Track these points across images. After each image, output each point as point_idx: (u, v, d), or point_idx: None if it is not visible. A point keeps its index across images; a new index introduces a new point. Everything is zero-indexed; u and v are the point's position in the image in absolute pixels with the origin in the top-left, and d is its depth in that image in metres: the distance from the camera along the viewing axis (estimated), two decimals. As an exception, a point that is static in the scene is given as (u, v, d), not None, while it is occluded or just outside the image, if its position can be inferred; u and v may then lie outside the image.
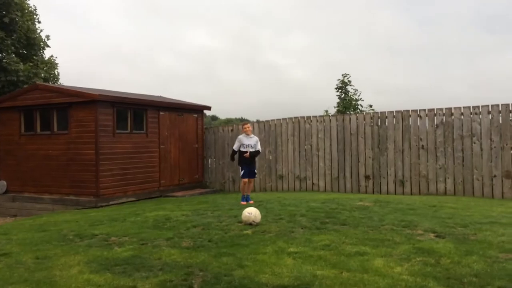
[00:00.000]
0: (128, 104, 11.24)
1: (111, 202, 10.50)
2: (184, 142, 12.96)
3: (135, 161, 11.31)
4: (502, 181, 9.63)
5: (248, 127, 8.99)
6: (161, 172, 12.10)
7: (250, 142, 8.79)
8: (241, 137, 8.92)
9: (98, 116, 10.39)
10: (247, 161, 8.74)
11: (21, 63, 17.55)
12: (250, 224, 6.18)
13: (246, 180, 8.76)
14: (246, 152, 8.70)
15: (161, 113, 12.16)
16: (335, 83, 18.42)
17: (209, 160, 13.95)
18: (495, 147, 9.73)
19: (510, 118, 9.62)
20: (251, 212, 6.31)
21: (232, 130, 13.46)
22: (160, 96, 14.39)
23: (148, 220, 7.07)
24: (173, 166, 12.54)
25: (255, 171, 9.13)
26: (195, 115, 13.52)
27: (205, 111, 14.44)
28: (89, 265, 4.61)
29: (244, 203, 8.39)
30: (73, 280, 4.16)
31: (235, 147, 8.94)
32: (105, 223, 7.07)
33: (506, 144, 9.61)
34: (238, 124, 13.95)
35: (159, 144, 12.07)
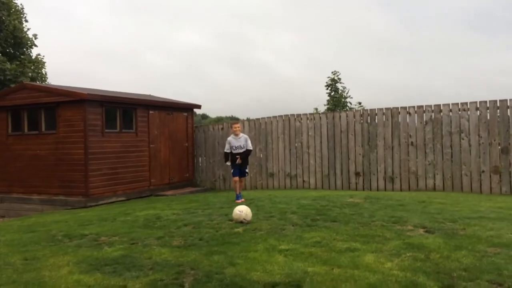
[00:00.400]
0: (117, 103, 11.16)
1: (100, 202, 10.43)
2: (174, 141, 12.91)
3: (125, 161, 11.24)
4: (490, 176, 9.73)
5: (238, 127, 8.94)
6: (151, 171, 12.04)
7: (239, 143, 8.76)
8: (230, 139, 8.88)
9: (87, 116, 10.31)
10: (235, 160, 8.75)
11: (8, 62, 17.36)
12: (241, 222, 6.17)
13: (236, 178, 8.78)
14: (236, 153, 8.70)
15: (150, 112, 12.09)
16: (324, 81, 18.50)
17: (200, 158, 13.91)
18: (483, 143, 9.83)
19: (498, 114, 9.72)
20: (242, 210, 6.31)
21: (222, 129, 13.43)
22: (150, 95, 14.31)
23: (139, 219, 7.03)
24: (163, 165, 12.48)
25: (246, 170, 9.10)
26: (185, 114, 13.47)
27: (195, 110, 14.40)
28: (79, 265, 4.57)
29: (239, 201, 8.35)
30: (63, 280, 4.12)
31: (226, 149, 8.89)
32: (95, 223, 7.01)
33: (494, 140, 9.72)
34: (228, 123, 13.93)
35: (149, 143, 12.01)
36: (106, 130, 10.78)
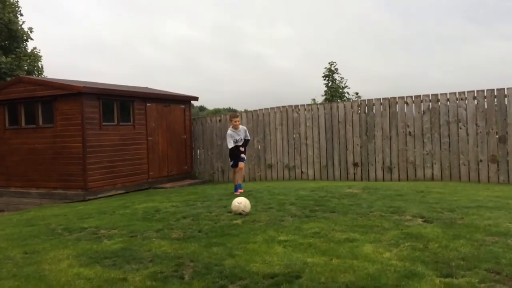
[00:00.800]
0: (114, 96, 11.13)
1: (99, 195, 10.43)
2: (172, 133, 12.89)
3: (123, 153, 11.23)
4: (488, 165, 9.76)
5: (238, 121, 8.66)
6: (149, 163, 12.04)
7: (240, 135, 8.59)
8: (231, 132, 8.54)
9: (84, 109, 10.28)
10: (237, 153, 8.57)
11: (4, 56, 17.25)
12: (240, 214, 6.18)
13: (236, 168, 8.62)
14: (237, 146, 8.51)
15: (148, 104, 12.06)
16: (321, 71, 18.51)
17: (198, 151, 13.91)
18: (480, 132, 9.84)
19: (495, 103, 9.72)
20: (241, 202, 6.32)
21: (220, 121, 13.41)
22: (147, 88, 14.26)
23: (138, 212, 7.04)
24: (161, 158, 12.48)
25: (244, 156, 8.79)
26: (183, 106, 13.43)
27: (193, 102, 14.37)
28: (79, 258, 4.58)
29: (238, 193, 8.21)
30: (63, 274, 4.13)
31: (230, 144, 8.51)
32: (94, 216, 7.02)
33: (492, 129, 9.73)
34: (226, 114, 13.90)
35: (147, 136, 11.99)
36: (104, 123, 10.75)
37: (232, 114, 9.14)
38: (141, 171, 11.79)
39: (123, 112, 11.44)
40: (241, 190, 8.41)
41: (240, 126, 8.79)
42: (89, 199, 10.09)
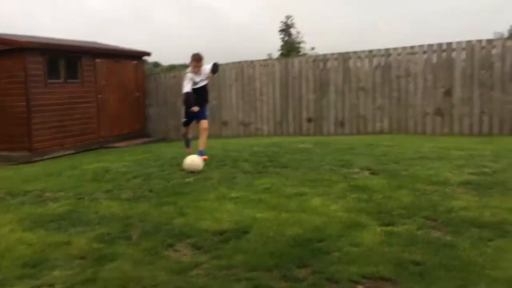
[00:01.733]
0: (59, 52, 10.56)
1: (46, 156, 10.06)
2: (123, 90, 12.46)
3: (71, 112, 10.80)
4: (433, 118, 10.09)
5: (198, 67, 6.76)
6: (100, 122, 11.66)
7: (201, 77, 6.84)
8: (191, 74, 6.79)
9: (27, 65, 9.71)
10: (195, 102, 6.71)
11: None
12: (192, 171, 6.14)
13: (188, 128, 7.27)
14: (197, 88, 6.75)
15: (97, 60, 11.53)
16: (277, 25, 18.23)
17: (151, 108, 13.58)
18: (428, 86, 10.09)
19: (444, 58, 9.94)
20: (193, 160, 6.26)
21: (174, 77, 13.05)
22: (96, 42, 13.59)
23: (87, 173, 6.84)
24: (113, 116, 12.10)
25: (206, 113, 7.09)
26: (135, 62, 12.94)
27: (147, 58, 13.87)
28: (21, 223, 4.42)
29: (190, 150, 7.23)
30: (4, 239, 3.98)
31: (188, 88, 6.70)
32: (40, 178, 6.77)
33: (439, 83, 9.99)
34: (180, 71, 13.54)
35: (97, 94, 11.55)
36: (49, 81, 10.23)
37: (194, 55, 6.76)
38: (91, 130, 11.42)
39: (70, 68, 10.90)
40: (206, 157, 6.74)
41: (203, 68, 6.84)
42: (35, 161, 9.72)
